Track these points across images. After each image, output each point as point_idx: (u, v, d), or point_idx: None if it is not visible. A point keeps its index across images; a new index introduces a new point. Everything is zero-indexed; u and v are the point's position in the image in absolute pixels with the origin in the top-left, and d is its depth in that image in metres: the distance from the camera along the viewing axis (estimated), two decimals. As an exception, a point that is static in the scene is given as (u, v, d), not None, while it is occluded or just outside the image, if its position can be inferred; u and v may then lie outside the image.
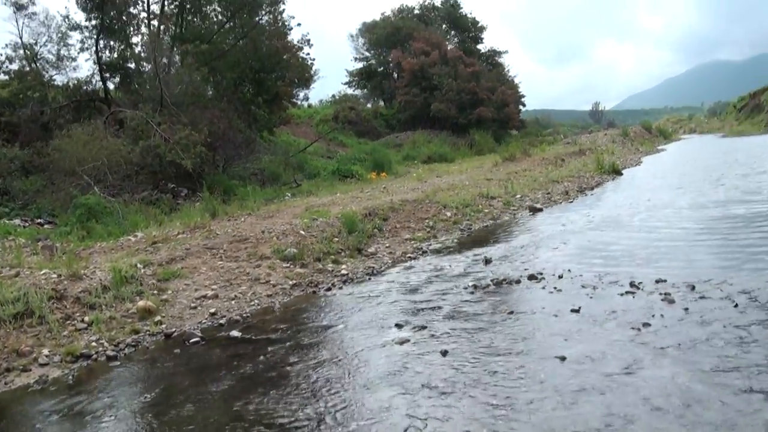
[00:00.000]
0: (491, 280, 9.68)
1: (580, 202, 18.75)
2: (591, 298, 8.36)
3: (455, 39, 60.75)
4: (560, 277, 9.59)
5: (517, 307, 8.24)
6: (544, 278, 9.60)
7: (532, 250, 12.05)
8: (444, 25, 61.43)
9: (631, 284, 8.72)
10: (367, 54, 58.68)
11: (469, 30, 60.99)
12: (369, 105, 57.30)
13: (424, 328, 7.61)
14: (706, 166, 27.92)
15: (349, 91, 57.71)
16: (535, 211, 17.15)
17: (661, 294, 8.12)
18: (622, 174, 26.46)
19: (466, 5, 63.70)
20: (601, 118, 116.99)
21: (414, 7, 61.42)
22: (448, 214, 16.13)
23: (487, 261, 11.20)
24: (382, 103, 58.03)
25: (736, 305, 7.42)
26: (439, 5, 61.87)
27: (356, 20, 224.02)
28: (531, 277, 9.65)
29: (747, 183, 19.38)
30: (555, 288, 9.00)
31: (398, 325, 7.76)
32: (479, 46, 61.28)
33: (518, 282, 9.56)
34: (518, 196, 19.37)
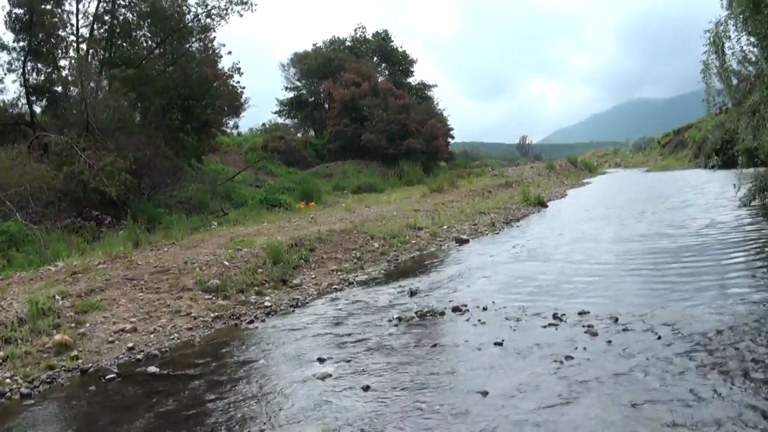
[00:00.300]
0: (416, 313, 9.64)
1: (505, 234, 18.92)
2: (514, 330, 8.37)
3: (386, 71, 61.22)
4: (484, 309, 9.59)
5: (440, 340, 8.22)
6: (468, 310, 9.58)
7: (457, 282, 12.08)
8: (375, 58, 61.88)
9: (554, 316, 8.77)
10: (298, 84, 58.65)
11: (400, 63, 61.60)
12: (299, 134, 57.16)
13: (347, 362, 7.52)
14: (630, 199, 28.50)
15: (280, 120, 57.63)
16: (461, 242, 17.23)
17: (584, 326, 8.17)
18: (547, 206, 26.83)
19: (396, 39, 64.40)
20: (528, 151, 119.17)
21: (345, 39, 61.94)
22: (376, 245, 16.09)
23: (413, 293, 11.16)
24: (312, 132, 57.96)
25: (659, 337, 7.50)
26: (370, 38, 62.45)
27: (288, 50, 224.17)
28: (455, 310, 9.63)
29: (671, 216, 19.76)
30: (479, 320, 9.00)
31: (320, 360, 7.63)
32: (409, 79, 61.96)
33: (442, 314, 9.53)
34: (445, 227, 19.44)
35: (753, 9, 15.41)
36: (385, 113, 46.90)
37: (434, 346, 7.91)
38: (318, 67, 55.00)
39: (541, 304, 9.73)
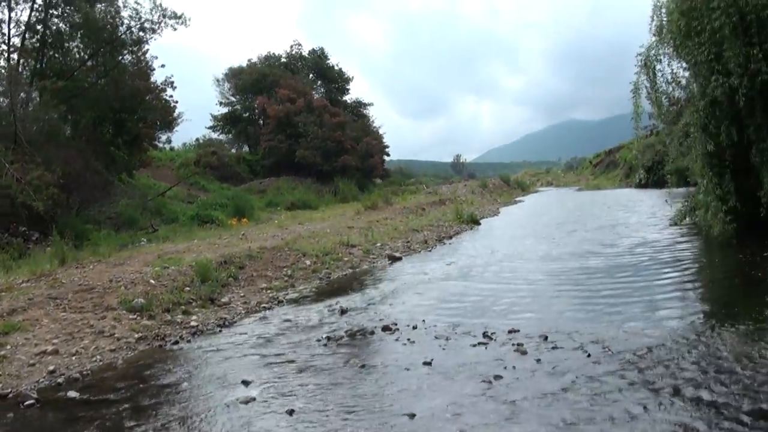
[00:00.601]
0: (345, 332, 9.57)
1: (438, 252, 18.96)
2: (444, 349, 8.35)
3: (321, 89, 61.36)
4: (414, 328, 9.56)
5: (369, 360, 8.13)
6: (398, 329, 9.54)
7: (389, 300, 12.03)
8: (311, 75, 61.97)
9: (485, 335, 8.77)
10: (233, 99, 58.23)
11: (336, 81, 61.83)
12: (233, 150, 56.72)
13: (272, 384, 7.37)
14: (562, 217, 28.83)
15: (214, 135, 57.13)
16: (394, 259, 17.21)
17: (513, 345, 8.19)
18: (480, 224, 27.01)
19: (332, 57, 64.54)
20: (462, 169, 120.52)
21: (281, 56, 62.00)
22: (308, 262, 15.92)
23: (343, 311, 11.05)
24: (246, 148, 57.58)
25: (589, 355, 7.55)
26: (306, 55, 62.52)
27: (223, 65, 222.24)
28: (385, 329, 9.57)
29: (602, 235, 20.07)
30: (409, 339, 8.95)
31: (245, 382, 7.45)
32: (345, 97, 62.38)
33: (372, 333, 9.48)
34: (378, 244, 19.40)
35: (683, 35, 15.78)
36: (320, 130, 46.89)
37: (363, 366, 7.82)
38: (253, 83, 54.79)
39: (472, 322, 9.73)
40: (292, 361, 8.27)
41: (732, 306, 9.89)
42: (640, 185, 45.87)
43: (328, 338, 9.26)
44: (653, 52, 17.68)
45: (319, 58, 61.91)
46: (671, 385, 6.46)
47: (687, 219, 19.27)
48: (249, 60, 59.61)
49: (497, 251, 17.76)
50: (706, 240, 16.28)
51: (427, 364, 7.69)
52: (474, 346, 8.38)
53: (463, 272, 14.67)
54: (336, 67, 62.13)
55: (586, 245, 17.76)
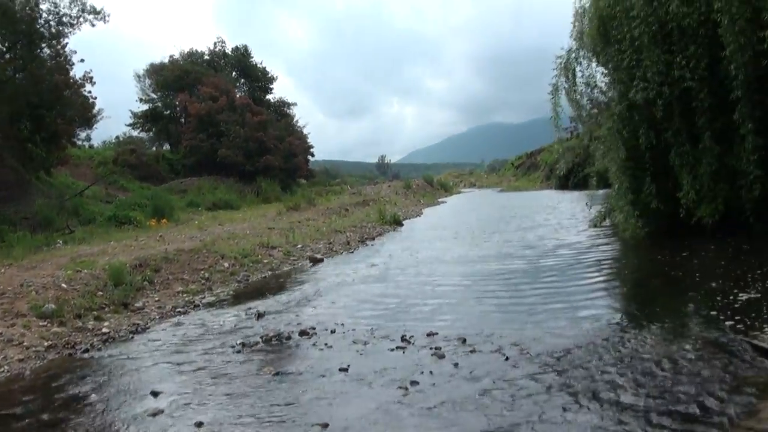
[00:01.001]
0: (261, 337, 9.41)
1: (360, 253, 18.98)
2: (361, 354, 8.26)
3: (245, 87, 60.68)
4: (332, 332, 9.48)
5: (284, 367, 7.99)
6: (316, 333, 9.45)
7: (308, 303, 11.95)
8: (234, 73, 61.17)
9: (403, 338, 8.73)
10: (154, 96, 57.06)
11: (259, 79, 61.22)
12: (154, 148, 55.56)
13: (182, 394, 7.17)
14: (484, 218, 29.18)
15: (135, 133, 56.01)
16: (315, 261, 17.14)
17: (431, 349, 8.15)
18: (403, 225, 27.17)
19: (256, 55, 63.88)
20: (387, 170, 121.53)
21: (204, 53, 60.99)
22: (226, 264, 15.72)
23: (260, 315, 10.90)
24: (168, 147, 56.52)
25: (507, 358, 7.55)
26: (230, 53, 61.73)
27: (144, 61, 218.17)
28: (302, 333, 9.47)
29: (522, 236, 20.33)
30: (326, 344, 8.84)
31: (154, 393, 7.23)
32: (269, 96, 61.74)
33: (288, 338, 9.34)
34: (299, 246, 19.31)
35: (603, 42, 16.07)
36: (242, 129, 46.33)
37: (277, 374, 7.67)
38: (174, 80, 53.65)
39: (391, 325, 9.68)
40: (204, 369, 8.10)
41: (652, 306, 9.97)
42: (560, 187, 46.70)
43: (243, 344, 9.09)
44: (573, 55, 18.00)
45: (242, 56, 61.21)
46: (589, 388, 6.47)
47: (606, 221, 19.62)
48: (171, 56, 58.57)
49: (419, 253, 17.86)
50: (625, 242, 16.58)
51: (344, 370, 7.59)
52: (392, 350, 8.32)
53: (384, 274, 14.70)
54: (259, 66, 61.57)
55: (507, 247, 17.93)
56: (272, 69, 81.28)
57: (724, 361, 6.91)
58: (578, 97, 18.23)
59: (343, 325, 9.87)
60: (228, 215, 30.89)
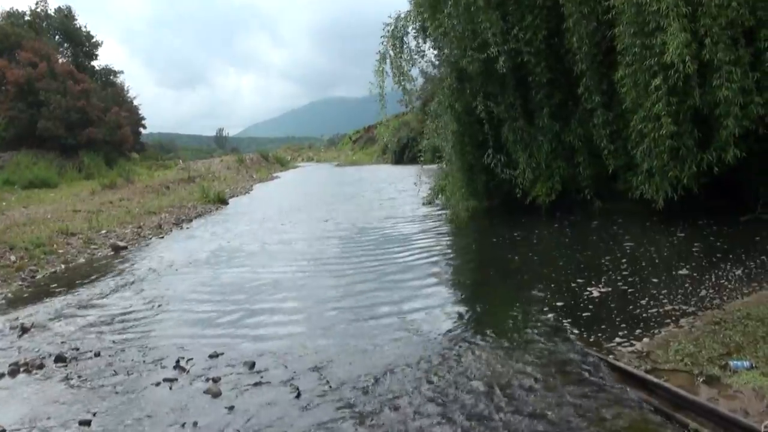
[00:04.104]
0: (9, 365, 7.40)
1: (171, 238, 17.73)
2: (116, 394, 6.45)
3: (68, 52, 57.10)
4: (97, 355, 7.68)
5: (4, 417, 6.05)
6: (75, 358, 7.60)
7: (86, 310, 10.10)
8: (57, 37, 57.44)
9: (178, 364, 7.13)
10: (-31, 61, 52.89)
11: (83, 44, 57.76)
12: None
13: None
14: (312, 195, 28.44)
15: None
16: (118, 249, 15.70)
17: (208, 380, 6.56)
18: (228, 203, 26.13)
19: (81, 18, 60.53)
20: (225, 143, 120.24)
21: (25, 13, 56.63)
22: (13, 257, 13.95)
23: (25, 329, 8.95)
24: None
25: (298, 395, 6.04)
26: (53, 14, 57.83)
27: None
28: (59, 359, 7.56)
29: (350, 217, 19.50)
30: (79, 377, 7.01)
31: None
32: (93, 63, 58.48)
33: (41, 367, 7.38)
34: (104, 231, 17.74)
35: (432, 6, 15.49)
36: (63, 99, 43.36)
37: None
38: (-6, 43, 49.71)
39: (170, 342, 8.03)
40: None
41: (488, 305, 8.95)
42: (396, 161, 47.04)
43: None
44: (401, 23, 17.32)
45: (65, 17, 57.36)
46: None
47: (438, 199, 19.31)
48: (-7, 15, 54.43)
49: (234, 237, 16.76)
50: (457, 223, 16.08)
51: (85, 424, 5.78)
52: (157, 384, 6.59)
53: (187, 265, 13.31)
54: (84, 30, 58.07)
55: (331, 229, 17.12)
56: (99, 34, 77.23)
57: (575, 391, 5.66)
58: (405, 67, 17.53)
59: (113, 342, 8.17)
60: (41, 195, 28.54)
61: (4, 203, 24.72)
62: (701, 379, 5.62)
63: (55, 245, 15.49)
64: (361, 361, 6.85)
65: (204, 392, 6.30)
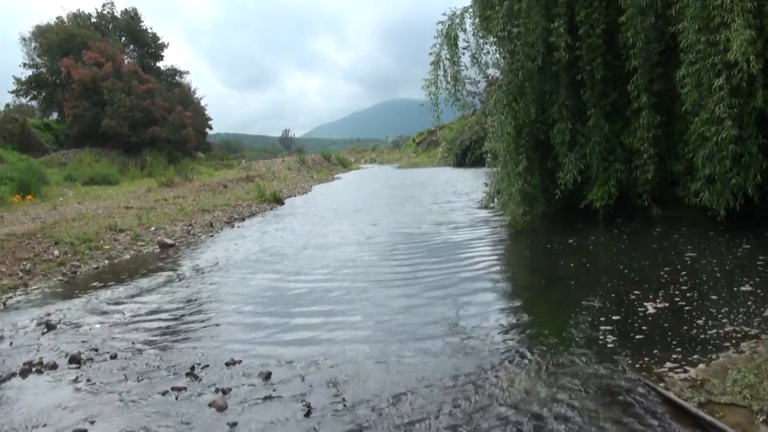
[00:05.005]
0: (23, 365, 7.08)
1: (222, 236, 17.36)
2: (121, 402, 5.97)
3: (134, 53, 58.13)
4: (113, 357, 7.24)
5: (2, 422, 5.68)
6: (91, 359, 7.21)
7: (117, 308, 9.73)
8: (123, 38, 58.45)
9: (191, 371, 6.63)
10: (39, 60, 54.07)
11: (149, 46, 58.73)
12: (44, 118, 52.50)
13: None
14: (373, 197, 27.94)
15: (24, 100, 53.10)
16: (165, 246, 15.47)
17: (217, 391, 6.04)
18: (283, 203, 25.86)
19: (147, 20, 61.55)
20: (291, 144, 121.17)
21: (91, 15, 57.89)
22: (56, 252, 13.71)
23: (50, 326, 8.67)
24: (56, 116, 53.68)
25: (308, 413, 5.41)
26: (119, 16, 58.85)
27: (31, 22, 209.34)
28: (73, 360, 7.17)
29: (406, 220, 18.88)
30: (89, 380, 6.59)
31: None
32: (159, 64, 59.50)
33: (54, 367, 7.03)
34: (153, 228, 17.50)
35: (487, 3, 15.03)
36: (128, 98, 43.97)
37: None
38: (60, 43, 50.65)
39: (191, 345, 7.59)
40: None
41: (534, 317, 8.10)
42: (458, 164, 46.56)
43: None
44: (457, 20, 16.67)
45: (131, 19, 58.51)
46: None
47: (494, 202, 18.76)
48: (58, 17, 55.62)
49: (282, 238, 16.26)
50: (511, 228, 15.45)
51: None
52: (164, 394, 6.09)
53: (231, 265, 12.85)
54: (150, 31, 59.20)
55: (378, 233, 16.40)
56: (165, 35, 78.61)
57: (617, 424, 4.89)
58: (461, 72, 16.85)
59: (133, 344, 7.71)
60: (102, 191, 28.82)
61: (60, 198, 24.93)
62: (761, 418, 4.76)
63: (101, 241, 15.31)
64: (383, 377, 6.19)
65: (209, 405, 5.76)
